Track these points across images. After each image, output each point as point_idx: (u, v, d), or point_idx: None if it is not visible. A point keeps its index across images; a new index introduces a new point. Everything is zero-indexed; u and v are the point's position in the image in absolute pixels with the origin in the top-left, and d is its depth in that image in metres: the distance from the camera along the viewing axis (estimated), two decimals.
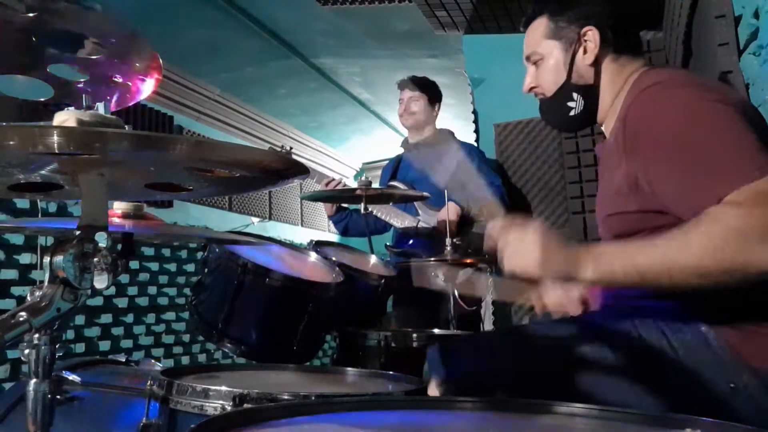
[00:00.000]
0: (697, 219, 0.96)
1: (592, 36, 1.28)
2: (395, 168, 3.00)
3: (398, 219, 2.79)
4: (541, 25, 1.35)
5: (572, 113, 1.33)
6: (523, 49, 1.39)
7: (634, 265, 0.99)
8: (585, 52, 1.29)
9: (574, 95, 1.31)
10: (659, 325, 1.11)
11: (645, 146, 1.11)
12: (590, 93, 1.31)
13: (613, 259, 1.01)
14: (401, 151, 3.11)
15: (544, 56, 1.34)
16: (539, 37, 1.35)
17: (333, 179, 2.65)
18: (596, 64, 1.30)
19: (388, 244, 2.93)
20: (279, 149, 2.88)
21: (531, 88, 1.39)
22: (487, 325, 2.92)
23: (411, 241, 2.75)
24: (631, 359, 1.11)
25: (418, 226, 2.73)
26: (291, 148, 2.92)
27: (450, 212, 2.61)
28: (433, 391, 1.17)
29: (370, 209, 2.74)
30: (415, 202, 2.75)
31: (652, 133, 1.10)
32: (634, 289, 1.17)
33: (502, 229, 1.08)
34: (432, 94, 2.97)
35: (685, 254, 0.95)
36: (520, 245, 1.05)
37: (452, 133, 3.01)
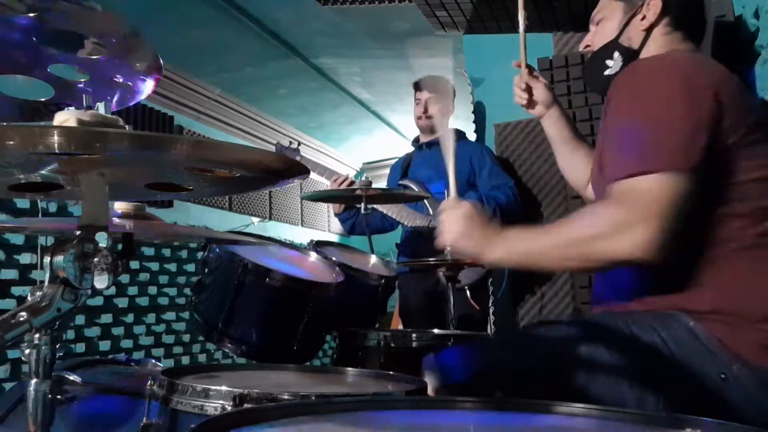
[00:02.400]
0: (577, 211, 1.13)
1: (654, 5, 1.31)
2: (405, 166, 2.99)
3: (409, 218, 2.78)
4: None
5: (607, 72, 1.36)
6: (593, 10, 1.44)
7: (527, 250, 1.16)
8: (642, 18, 1.32)
9: (615, 54, 1.35)
10: (650, 322, 1.13)
11: (610, 109, 1.20)
12: (631, 57, 1.34)
13: (514, 243, 1.18)
14: (404, 152, 3.11)
15: (606, 16, 1.38)
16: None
17: (342, 176, 2.65)
18: (648, 31, 1.32)
19: (398, 243, 2.93)
20: (288, 144, 2.89)
21: (586, 47, 1.44)
22: (489, 326, 2.92)
23: (422, 240, 2.74)
24: (626, 356, 1.13)
25: (429, 225, 2.73)
26: (299, 143, 2.92)
27: None
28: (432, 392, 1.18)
29: (380, 208, 2.74)
30: (426, 201, 2.75)
31: (616, 100, 1.18)
32: (625, 291, 1.22)
33: (443, 207, 1.26)
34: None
35: (557, 243, 1.12)
36: (449, 222, 1.23)
37: (463, 134, 3.00)
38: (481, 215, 1.23)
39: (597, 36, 1.40)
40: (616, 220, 1.05)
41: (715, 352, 1.07)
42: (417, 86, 2.99)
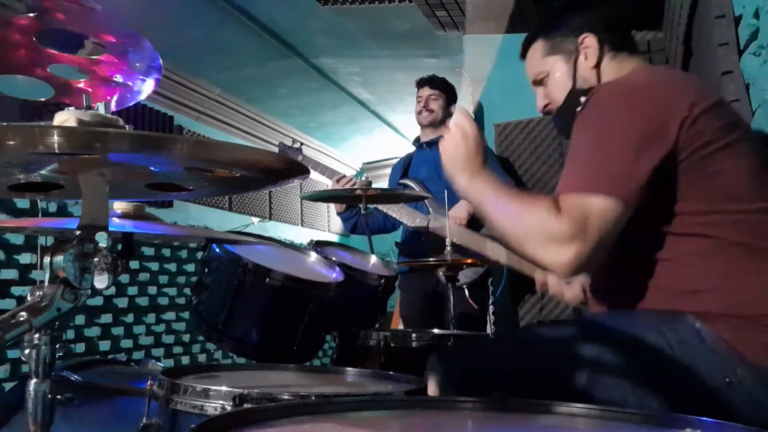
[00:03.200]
0: (541, 197, 1.16)
1: (590, 41, 1.34)
2: (406, 166, 3.00)
3: (410, 217, 2.78)
4: (538, 48, 1.41)
5: None
6: (528, 76, 1.45)
7: (489, 203, 1.22)
8: (586, 57, 1.35)
9: (582, 99, 1.34)
10: (655, 323, 1.12)
11: (575, 127, 1.23)
12: None
13: (486, 188, 1.23)
14: (404, 152, 3.11)
15: (549, 72, 1.39)
16: (539, 59, 1.41)
17: (344, 176, 2.65)
18: (597, 65, 1.35)
19: (398, 241, 2.93)
20: (291, 144, 2.89)
21: (545, 106, 1.44)
22: (489, 326, 2.92)
23: (422, 239, 2.75)
24: (629, 357, 1.12)
25: (429, 224, 2.73)
26: (301, 144, 2.92)
27: (460, 211, 2.61)
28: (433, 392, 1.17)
29: (381, 208, 2.74)
30: (426, 201, 2.75)
31: (580, 119, 1.22)
32: (628, 292, 1.21)
33: (459, 121, 1.31)
34: (450, 94, 2.99)
35: (501, 207, 1.19)
36: (453, 140, 1.29)
37: None
38: (484, 145, 1.29)
39: (551, 93, 1.40)
40: (557, 231, 1.09)
41: (721, 355, 1.07)
42: (419, 83, 3.00)
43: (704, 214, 1.13)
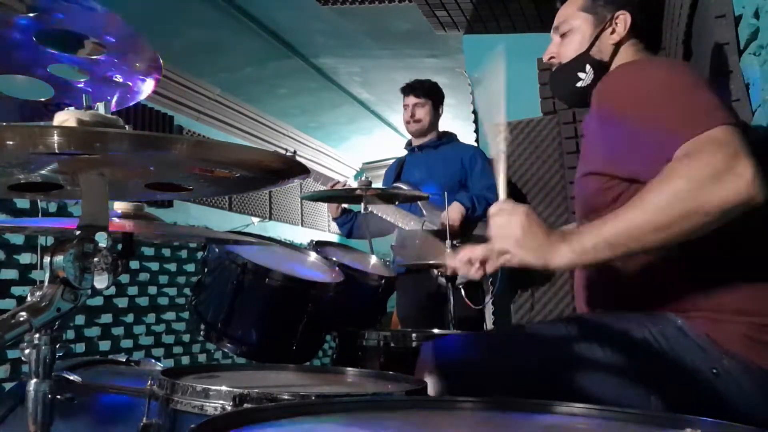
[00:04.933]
0: (651, 180, 1.02)
1: (623, 19, 1.35)
2: (399, 170, 3.02)
3: (404, 221, 2.80)
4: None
5: (580, 84, 1.38)
6: (555, 20, 1.44)
7: (602, 238, 1.03)
8: (613, 32, 1.35)
9: (587, 67, 1.36)
10: (641, 321, 1.15)
11: (613, 111, 1.19)
12: (602, 69, 1.36)
13: (583, 238, 1.05)
14: (404, 152, 3.12)
15: (574, 28, 1.39)
16: (574, 10, 1.40)
17: (338, 181, 2.66)
18: (617, 45, 1.36)
19: (393, 245, 2.93)
20: (284, 152, 2.90)
21: (550, 58, 1.44)
22: (489, 325, 2.93)
23: (417, 242, 2.75)
24: (620, 354, 1.14)
25: (423, 227, 2.74)
26: (295, 152, 2.93)
27: (453, 212, 2.62)
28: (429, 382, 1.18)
29: (375, 211, 2.75)
30: (419, 203, 2.77)
31: (619, 100, 1.19)
32: (612, 294, 1.23)
33: (496, 210, 1.14)
34: (436, 98, 3.00)
35: (642, 214, 1.00)
36: (506, 225, 1.10)
37: (454, 135, 3.03)
38: (540, 219, 1.11)
39: (564, 48, 1.40)
40: (714, 165, 0.96)
41: (706, 348, 1.09)
42: (404, 91, 3.02)
43: None
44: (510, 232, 1.09)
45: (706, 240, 1.08)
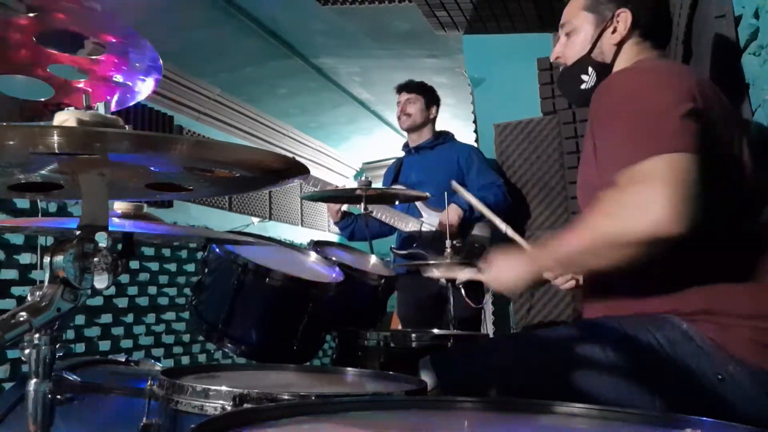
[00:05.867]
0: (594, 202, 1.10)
1: (624, 18, 1.33)
2: (397, 172, 3.03)
3: (402, 222, 2.81)
4: None
5: (583, 86, 1.38)
6: (561, 17, 1.44)
7: (563, 255, 1.17)
8: (614, 31, 1.34)
9: (589, 70, 1.36)
10: (644, 325, 1.13)
11: (593, 120, 1.22)
12: (604, 71, 1.35)
13: (553, 252, 1.19)
14: (402, 154, 3.13)
15: (576, 28, 1.39)
16: (577, 8, 1.40)
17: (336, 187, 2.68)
18: (619, 44, 1.35)
19: (393, 246, 2.94)
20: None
21: (557, 58, 1.44)
22: (488, 326, 2.93)
23: (415, 244, 2.76)
24: (624, 358, 1.13)
25: (422, 228, 2.75)
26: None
27: (451, 213, 2.62)
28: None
29: (375, 213, 2.75)
30: (417, 205, 2.77)
31: (596, 111, 1.21)
32: (616, 297, 1.23)
33: (488, 259, 1.32)
34: (428, 96, 3.01)
35: (577, 240, 1.11)
36: (502, 269, 1.29)
37: (451, 135, 3.03)
38: (516, 255, 1.30)
39: (568, 49, 1.40)
40: (636, 198, 1.01)
41: (711, 353, 1.07)
42: (397, 89, 3.05)
43: None
44: (507, 276, 1.28)
45: (711, 244, 1.08)
